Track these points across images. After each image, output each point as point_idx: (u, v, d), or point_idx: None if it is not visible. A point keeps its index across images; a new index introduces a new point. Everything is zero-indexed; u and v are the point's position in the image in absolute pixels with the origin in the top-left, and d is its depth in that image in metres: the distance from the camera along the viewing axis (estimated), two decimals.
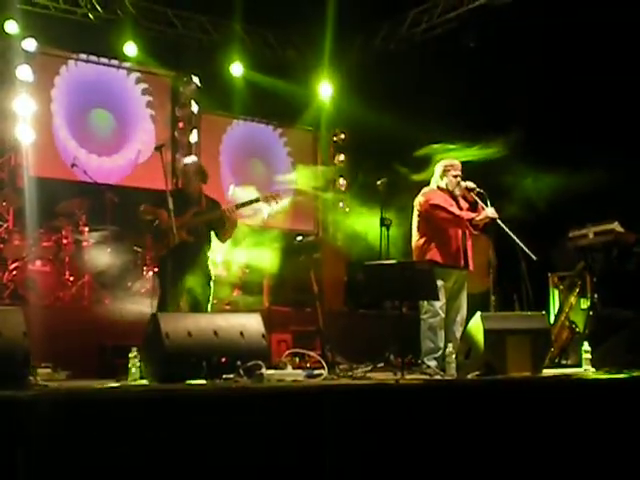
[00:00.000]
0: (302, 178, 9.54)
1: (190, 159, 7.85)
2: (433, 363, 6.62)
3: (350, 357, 7.33)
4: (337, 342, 8.15)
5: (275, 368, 5.79)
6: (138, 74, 11.51)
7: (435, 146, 8.10)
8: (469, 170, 7.57)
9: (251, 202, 7.36)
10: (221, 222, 7.18)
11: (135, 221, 7.58)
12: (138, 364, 5.09)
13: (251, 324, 5.37)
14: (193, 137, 11.55)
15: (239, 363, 4.99)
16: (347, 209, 11.57)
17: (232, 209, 7.19)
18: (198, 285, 6.99)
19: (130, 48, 10.93)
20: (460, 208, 7.10)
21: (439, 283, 6.67)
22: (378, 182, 7.47)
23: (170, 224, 6.65)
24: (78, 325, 7.98)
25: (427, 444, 4.56)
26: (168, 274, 6.82)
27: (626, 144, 9.98)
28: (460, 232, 7.06)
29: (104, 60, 11.22)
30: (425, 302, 6.87)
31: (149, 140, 11.38)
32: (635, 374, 5.65)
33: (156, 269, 8.11)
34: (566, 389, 5.37)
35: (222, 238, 7.32)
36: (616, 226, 8.71)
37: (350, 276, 10.32)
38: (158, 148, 6.94)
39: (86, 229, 9.28)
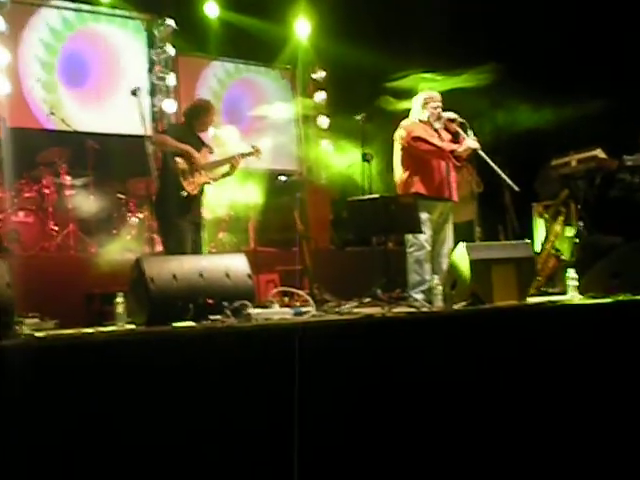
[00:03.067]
0: (281, 110, 9.50)
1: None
2: (420, 296, 6.65)
3: (338, 294, 7.34)
4: (325, 280, 8.19)
5: (262, 307, 5.80)
6: (112, 18, 11.32)
7: (418, 75, 8.06)
8: (452, 100, 7.54)
9: (250, 154, 7.45)
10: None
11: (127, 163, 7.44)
12: (124, 309, 5.09)
13: (236, 265, 5.38)
14: (171, 80, 11.41)
15: (226, 304, 5.02)
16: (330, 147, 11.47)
17: (239, 157, 7.24)
18: (199, 229, 7.04)
19: None
20: (442, 140, 7.08)
21: (424, 216, 6.69)
22: (358, 117, 7.43)
23: (201, 163, 6.68)
24: (65, 274, 7.96)
25: (415, 376, 4.59)
26: (185, 220, 6.79)
27: (608, 74, 9.96)
28: (443, 164, 7.04)
29: (77, 5, 11.01)
30: (410, 235, 6.88)
31: (126, 85, 11.22)
32: (620, 299, 5.67)
33: (153, 213, 7.91)
34: (552, 315, 5.40)
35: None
36: (599, 153, 8.70)
37: (335, 214, 10.32)
38: (134, 92, 6.86)
39: (68, 177, 9.17)
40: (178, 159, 6.69)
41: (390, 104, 7.83)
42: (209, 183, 6.97)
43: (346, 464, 4.21)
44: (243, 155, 7.36)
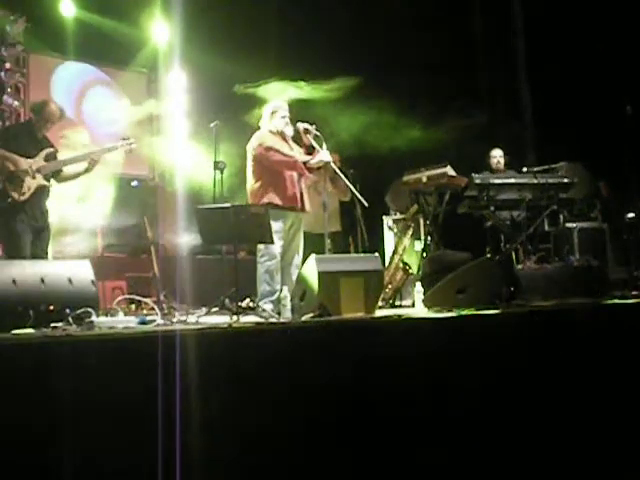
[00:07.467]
0: (135, 114, 9.36)
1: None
2: (269, 306, 6.65)
3: (188, 303, 7.27)
4: (174, 288, 8.08)
5: (107, 315, 5.69)
6: None
7: (283, 82, 8.07)
8: (311, 110, 7.59)
9: (115, 148, 7.27)
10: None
11: None
12: None
13: (80, 270, 5.27)
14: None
15: (68, 311, 4.89)
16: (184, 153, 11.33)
17: (99, 153, 7.08)
18: (41, 233, 6.83)
19: None
20: (291, 150, 7.12)
21: (276, 226, 6.66)
22: (211, 124, 7.37)
23: (27, 168, 6.48)
24: None
25: (261, 386, 4.57)
26: (24, 225, 6.59)
27: (464, 97, 10.30)
28: (295, 174, 7.06)
29: None
30: (262, 245, 6.87)
31: None
32: (464, 313, 5.82)
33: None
34: (397, 328, 5.47)
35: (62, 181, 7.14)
36: (448, 170, 8.92)
37: (186, 221, 10.18)
38: None
39: None
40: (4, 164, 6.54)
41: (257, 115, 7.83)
42: (45, 186, 6.74)
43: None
44: (107, 149, 7.21)
